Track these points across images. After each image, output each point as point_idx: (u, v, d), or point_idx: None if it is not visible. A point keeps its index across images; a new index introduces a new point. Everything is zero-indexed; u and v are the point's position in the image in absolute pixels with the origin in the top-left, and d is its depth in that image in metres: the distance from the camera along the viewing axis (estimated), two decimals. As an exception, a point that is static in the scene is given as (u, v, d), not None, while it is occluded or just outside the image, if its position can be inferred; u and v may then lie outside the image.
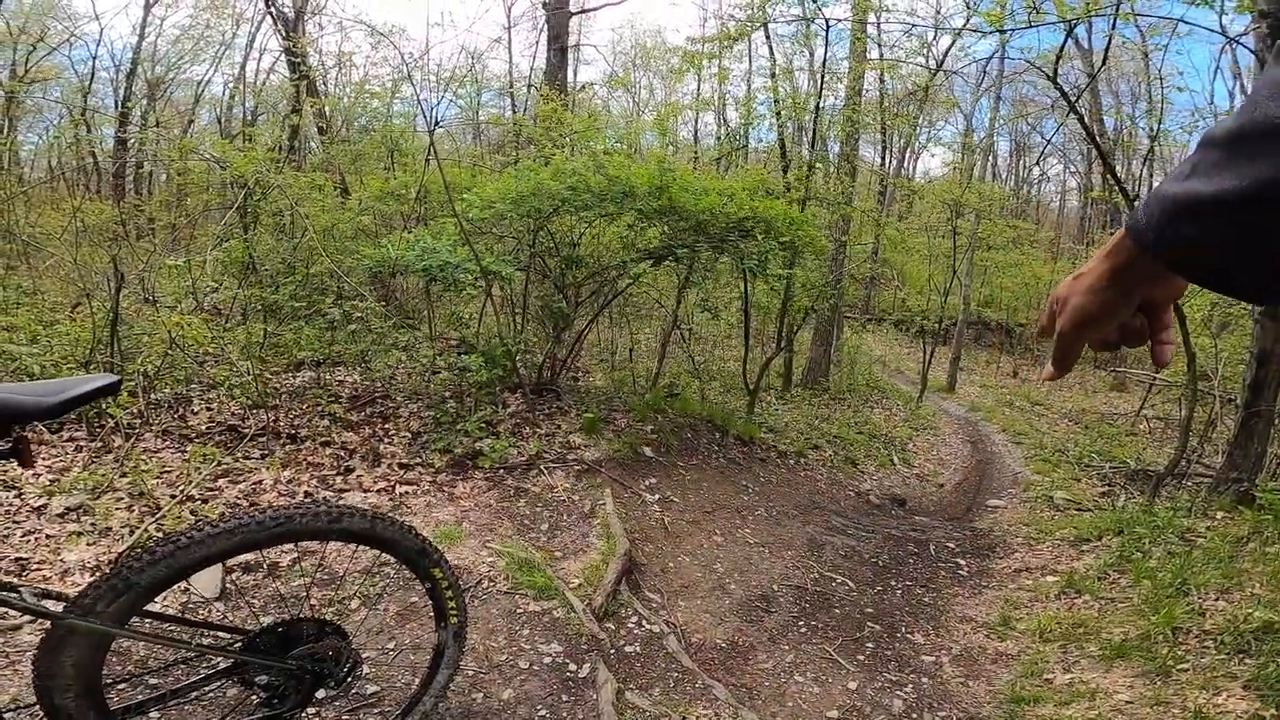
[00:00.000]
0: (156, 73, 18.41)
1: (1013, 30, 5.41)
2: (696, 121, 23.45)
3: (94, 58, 16.57)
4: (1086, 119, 8.27)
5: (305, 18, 14.97)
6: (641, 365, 8.22)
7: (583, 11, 14.62)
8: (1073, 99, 5.72)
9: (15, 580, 2.29)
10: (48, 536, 3.02)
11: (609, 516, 4.06)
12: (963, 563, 4.88)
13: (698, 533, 4.56)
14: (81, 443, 3.93)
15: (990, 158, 21.87)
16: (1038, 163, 27.49)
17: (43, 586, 2.04)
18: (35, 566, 2.81)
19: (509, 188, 4.92)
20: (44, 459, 3.71)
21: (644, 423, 5.84)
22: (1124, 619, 3.54)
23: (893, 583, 4.40)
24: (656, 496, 4.80)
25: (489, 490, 4.23)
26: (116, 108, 16.40)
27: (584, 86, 20.19)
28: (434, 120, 5.20)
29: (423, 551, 1.78)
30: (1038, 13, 4.99)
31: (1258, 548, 3.94)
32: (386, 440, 4.69)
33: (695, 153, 19.69)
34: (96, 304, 4.57)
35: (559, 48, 11.97)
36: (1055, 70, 5.36)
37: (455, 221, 4.91)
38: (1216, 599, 3.49)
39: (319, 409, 4.76)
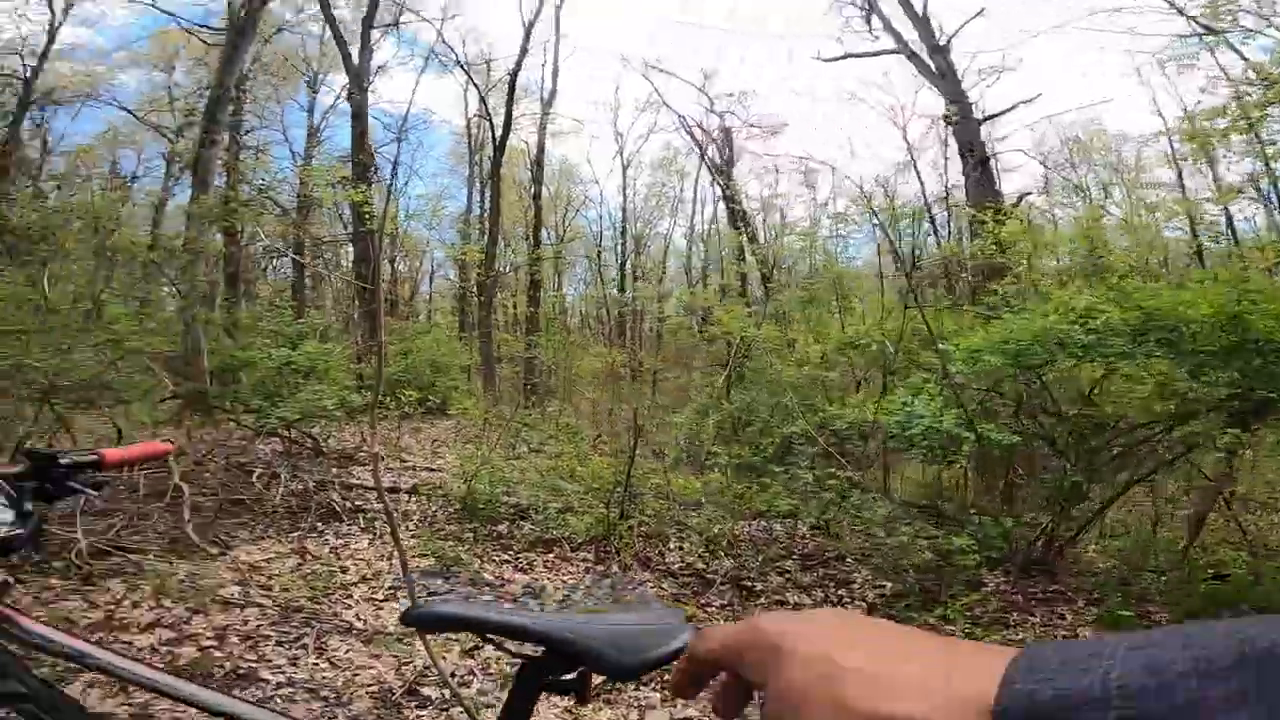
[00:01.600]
0: (638, 228, 22.61)
1: None
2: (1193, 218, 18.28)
3: (600, 217, 21.42)
4: None
5: (734, 165, 17.01)
6: (1163, 534, 6.16)
7: (988, 118, 13.49)
8: None
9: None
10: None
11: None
12: None
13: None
14: (589, 564, 4.64)
15: None
16: None
17: None
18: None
19: (1004, 334, 4.32)
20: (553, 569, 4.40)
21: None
22: None
23: None
24: None
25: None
26: (616, 262, 20.82)
27: (1020, 197, 18.19)
28: (912, 260, 4.95)
29: None
30: None
31: None
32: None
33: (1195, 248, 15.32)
34: (618, 446, 5.48)
35: (976, 161, 11.05)
36: None
37: (932, 377, 4.50)
38: None
39: (775, 564, 4.79)
